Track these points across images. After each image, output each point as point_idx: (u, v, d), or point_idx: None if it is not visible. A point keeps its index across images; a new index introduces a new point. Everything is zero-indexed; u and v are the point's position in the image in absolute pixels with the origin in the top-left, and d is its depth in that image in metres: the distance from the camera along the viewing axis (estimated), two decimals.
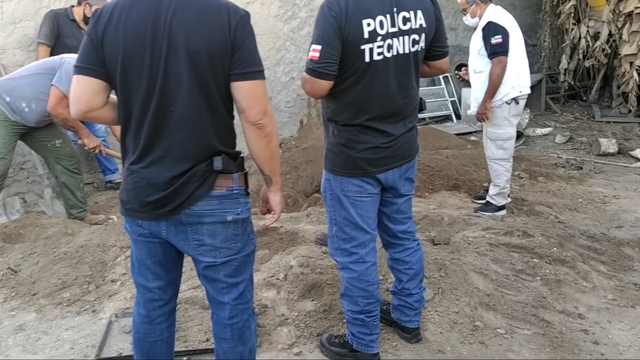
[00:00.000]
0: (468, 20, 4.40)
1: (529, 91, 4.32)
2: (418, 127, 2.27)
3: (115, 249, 3.69)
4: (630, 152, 6.32)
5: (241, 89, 1.77)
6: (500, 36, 4.04)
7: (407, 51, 2.23)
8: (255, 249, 2.04)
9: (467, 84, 4.84)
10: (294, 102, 7.00)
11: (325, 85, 2.14)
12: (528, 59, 4.45)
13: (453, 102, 8.43)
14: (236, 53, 1.74)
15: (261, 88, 1.79)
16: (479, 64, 4.27)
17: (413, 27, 2.22)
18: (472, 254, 3.40)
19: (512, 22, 4.21)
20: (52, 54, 4.89)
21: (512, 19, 4.25)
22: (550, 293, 3.11)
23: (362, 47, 2.12)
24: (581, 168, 5.90)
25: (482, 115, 4.23)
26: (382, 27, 2.13)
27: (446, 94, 8.55)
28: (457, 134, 7.18)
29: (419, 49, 2.28)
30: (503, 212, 4.42)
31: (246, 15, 1.77)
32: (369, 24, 2.10)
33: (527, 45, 10.20)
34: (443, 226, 4.08)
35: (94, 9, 4.91)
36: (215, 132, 1.81)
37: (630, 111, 8.09)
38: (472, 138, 7.21)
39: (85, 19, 4.98)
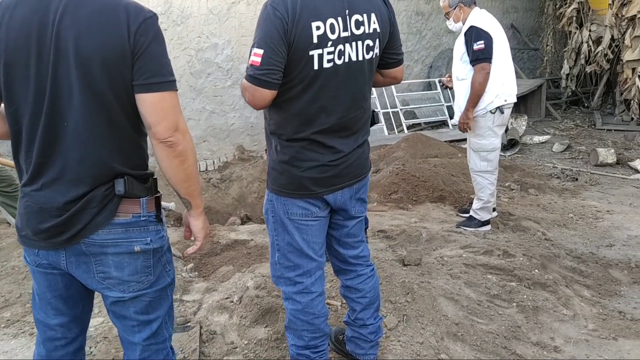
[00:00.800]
0: (452, 25, 4.16)
1: (514, 100, 4.07)
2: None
3: None
4: (629, 163, 6.05)
5: (145, 102, 1.54)
6: (482, 42, 3.80)
7: (360, 58, 2.00)
8: (173, 281, 1.82)
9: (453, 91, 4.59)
10: None
11: (267, 94, 1.89)
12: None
13: (449, 107, 8.18)
14: (138, 61, 1.51)
15: (170, 101, 1.56)
16: (461, 71, 4.03)
17: (367, 31, 1.99)
18: (444, 277, 3.15)
19: (497, 27, 3.97)
20: None
21: (496, 23, 4.01)
22: (526, 322, 2.87)
23: (311, 52, 1.88)
24: (576, 179, 5.64)
25: (464, 125, 3.99)
26: (333, 31, 1.90)
27: (442, 99, 8.31)
28: (450, 141, 6.94)
29: (374, 56, 2.05)
30: (487, 227, 4.17)
31: (151, 18, 1.54)
32: (318, 28, 1.87)
33: (529, 49, 9.98)
34: (421, 243, 3.84)
35: None
36: (117, 151, 1.59)
37: (632, 119, 7.81)
38: (464, 146, 6.94)
39: None
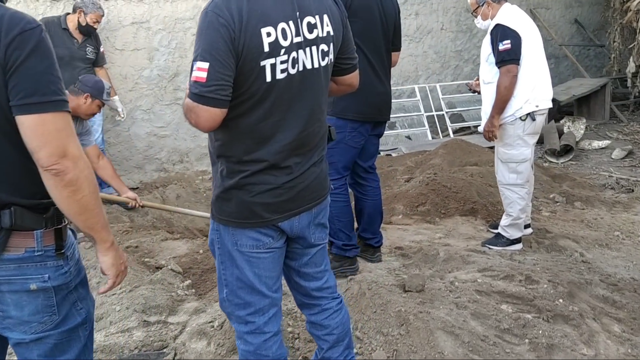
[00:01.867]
0: (480, 23, 3.80)
1: (548, 105, 3.65)
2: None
3: None
4: None
5: (23, 126, 1.36)
6: (509, 41, 3.42)
7: (315, 65, 1.76)
8: (87, 319, 1.64)
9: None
10: None
11: (217, 114, 1.65)
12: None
13: None
14: (12, 78, 1.33)
15: (53, 123, 1.37)
16: (488, 74, 3.66)
17: (320, 35, 1.75)
18: (448, 306, 2.82)
19: (528, 25, 3.57)
20: None
21: (527, 20, 3.61)
22: None
23: (262, 63, 1.64)
24: (632, 191, 5.07)
25: (489, 133, 3.62)
26: (285, 37, 1.66)
27: None
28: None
29: (329, 62, 1.81)
30: (517, 246, 3.77)
31: (32, 30, 1.35)
32: (269, 34, 1.63)
33: (594, 45, 9.24)
34: (437, 263, 3.51)
35: (90, 17, 4.78)
36: (2, 179, 1.42)
37: None
38: None
39: (80, 28, 4.80)
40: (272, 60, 1.66)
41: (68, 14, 4.85)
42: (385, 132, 7.11)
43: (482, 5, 3.70)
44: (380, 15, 3.06)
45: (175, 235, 4.39)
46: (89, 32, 4.91)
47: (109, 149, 5.56)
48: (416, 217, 4.47)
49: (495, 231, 3.97)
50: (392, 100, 7.12)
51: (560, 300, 2.94)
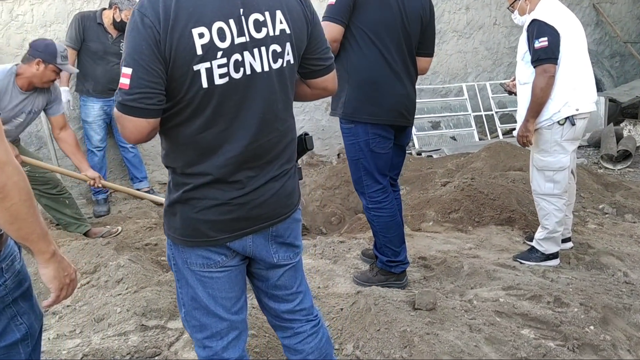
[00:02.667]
0: (517, 18, 3.50)
1: (590, 109, 3.31)
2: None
3: (78, 273, 3.38)
4: None
5: None
6: (546, 38, 3.11)
7: (265, 68, 1.56)
8: (28, 335, 1.53)
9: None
10: None
11: (143, 125, 1.48)
12: None
13: None
14: None
15: None
16: (523, 74, 3.36)
17: (271, 34, 1.55)
18: (460, 328, 2.58)
19: (568, 20, 3.25)
20: (78, 57, 4.78)
21: (568, 15, 3.29)
22: None
23: (196, 67, 1.46)
24: None
25: (523, 138, 3.32)
26: (222, 37, 1.47)
27: None
28: None
29: (285, 65, 1.60)
30: (552, 262, 3.46)
31: None
32: (201, 35, 1.45)
33: None
34: (460, 277, 3.26)
35: (124, 14, 4.76)
36: None
37: None
38: None
39: (115, 24, 4.79)
40: (207, 64, 1.46)
41: (104, 9, 4.86)
42: (428, 132, 6.88)
43: None
44: (400, 7, 2.79)
45: None
46: (123, 28, 4.89)
47: (143, 145, 5.56)
48: (447, 224, 4.21)
49: (531, 244, 3.66)
50: (438, 99, 6.82)
51: (591, 327, 2.64)
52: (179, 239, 1.66)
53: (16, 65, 3.66)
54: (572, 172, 3.56)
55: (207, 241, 1.63)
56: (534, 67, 3.19)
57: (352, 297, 2.85)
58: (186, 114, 1.53)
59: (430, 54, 3.05)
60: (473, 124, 6.92)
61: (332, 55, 1.76)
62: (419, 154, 6.40)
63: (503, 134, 6.97)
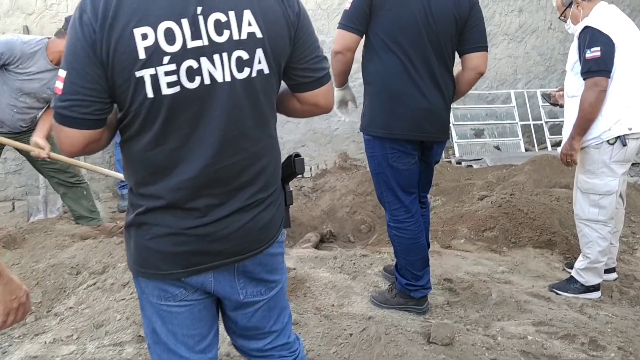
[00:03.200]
0: (570, 27, 3.16)
1: None
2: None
3: (86, 273, 3.28)
4: None
5: None
6: (598, 48, 2.79)
7: (227, 79, 1.31)
8: None
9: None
10: None
11: (76, 136, 1.30)
12: None
13: None
14: None
15: None
16: (572, 86, 3.04)
17: (235, 38, 1.30)
18: None
19: (625, 29, 2.91)
20: None
21: (627, 23, 2.95)
22: None
23: (138, 73, 1.24)
24: None
25: (567, 157, 3.01)
26: (170, 39, 1.24)
27: None
28: None
29: (256, 75, 1.35)
30: (593, 295, 3.13)
31: None
32: (144, 36, 1.22)
33: None
34: (487, 306, 2.98)
35: None
36: None
37: None
38: None
39: None
40: (151, 71, 1.24)
41: None
42: (470, 140, 6.53)
43: (570, 5, 3.09)
44: (425, 10, 2.49)
45: None
46: None
47: None
48: (480, 243, 3.91)
49: (571, 271, 3.34)
50: (482, 106, 6.44)
51: None
52: (132, 267, 1.47)
53: (48, 38, 3.59)
54: (620, 196, 3.23)
55: (157, 274, 1.42)
56: (584, 79, 2.87)
57: (362, 322, 2.62)
58: (135, 127, 1.33)
59: (481, 47, 2.64)
60: (520, 133, 6.55)
61: (326, 65, 1.50)
62: (458, 162, 6.08)
63: (552, 146, 6.56)
